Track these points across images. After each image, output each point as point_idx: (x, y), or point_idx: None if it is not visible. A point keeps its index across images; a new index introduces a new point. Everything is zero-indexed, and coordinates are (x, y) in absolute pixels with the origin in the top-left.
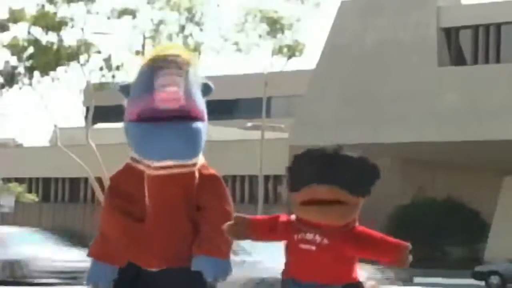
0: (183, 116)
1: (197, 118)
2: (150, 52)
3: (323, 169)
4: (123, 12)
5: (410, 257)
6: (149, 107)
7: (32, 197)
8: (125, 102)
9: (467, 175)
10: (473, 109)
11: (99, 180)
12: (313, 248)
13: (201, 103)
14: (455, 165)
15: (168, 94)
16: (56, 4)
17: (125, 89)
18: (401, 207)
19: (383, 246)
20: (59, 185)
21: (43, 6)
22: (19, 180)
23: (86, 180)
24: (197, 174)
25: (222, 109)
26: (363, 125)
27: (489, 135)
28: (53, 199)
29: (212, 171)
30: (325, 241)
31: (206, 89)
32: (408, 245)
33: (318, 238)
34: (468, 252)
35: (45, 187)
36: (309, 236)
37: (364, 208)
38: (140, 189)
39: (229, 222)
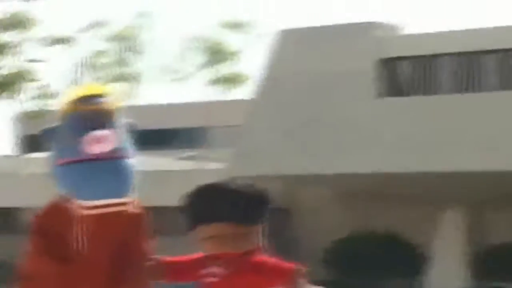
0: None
1: (127, 158)
2: (70, 95)
3: (208, 207)
4: (58, 41)
5: (304, 281)
6: (78, 156)
7: None
8: (51, 147)
9: (407, 207)
10: (412, 141)
11: (31, 211)
12: (215, 280)
13: (129, 145)
14: (395, 197)
15: (98, 139)
16: None
17: (49, 134)
18: (339, 240)
19: (276, 270)
20: None
21: None
22: None
23: (18, 210)
24: (128, 212)
25: (159, 139)
26: (303, 156)
27: (428, 167)
28: None
29: (140, 209)
30: (225, 271)
31: (131, 128)
32: (300, 267)
33: (219, 269)
34: (407, 287)
35: None
36: (212, 268)
37: (302, 241)
38: (69, 228)
39: (146, 264)
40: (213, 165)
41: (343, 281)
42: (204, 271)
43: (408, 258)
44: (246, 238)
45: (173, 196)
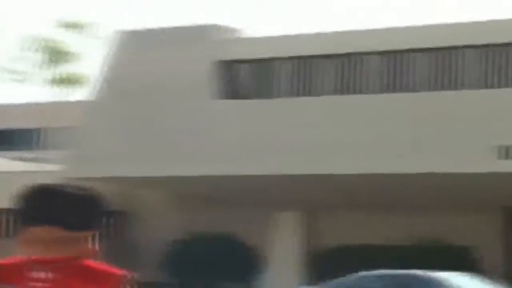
0: None
1: None
2: None
3: (38, 209)
4: None
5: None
6: None
7: None
8: None
9: (245, 210)
10: (248, 144)
11: None
12: (40, 285)
13: None
14: (233, 200)
15: None
16: None
17: None
18: (176, 242)
19: (104, 275)
20: None
21: None
22: None
23: None
24: None
25: None
26: (140, 159)
27: (264, 170)
28: None
29: None
30: (51, 276)
31: None
32: (127, 274)
33: (45, 274)
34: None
35: None
36: (38, 273)
37: (140, 243)
38: None
39: None
40: (49, 167)
41: (180, 283)
42: (29, 275)
43: (245, 260)
44: (75, 243)
45: (5, 198)
